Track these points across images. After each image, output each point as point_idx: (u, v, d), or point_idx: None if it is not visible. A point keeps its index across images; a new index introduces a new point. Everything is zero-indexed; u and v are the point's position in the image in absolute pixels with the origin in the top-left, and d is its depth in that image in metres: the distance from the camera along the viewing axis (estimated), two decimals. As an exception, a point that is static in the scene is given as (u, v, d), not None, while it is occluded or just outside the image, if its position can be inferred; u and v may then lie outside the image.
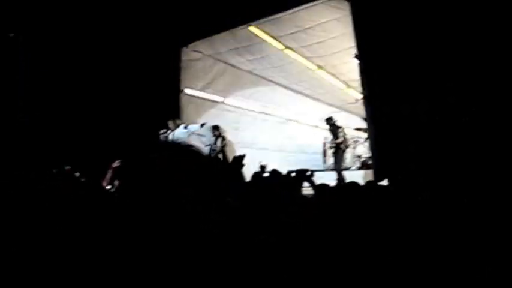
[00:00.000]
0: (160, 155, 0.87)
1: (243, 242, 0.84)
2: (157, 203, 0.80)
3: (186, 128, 7.18)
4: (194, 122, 7.97)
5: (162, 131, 7.14)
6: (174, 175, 0.81)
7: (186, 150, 0.92)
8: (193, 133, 7.15)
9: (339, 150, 7.40)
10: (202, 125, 7.42)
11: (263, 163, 7.18)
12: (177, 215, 0.78)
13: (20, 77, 6.35)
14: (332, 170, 7.49)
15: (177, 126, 7.17)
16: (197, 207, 0.79)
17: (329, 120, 7.73)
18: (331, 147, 7.78)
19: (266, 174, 2.65)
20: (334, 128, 7.59)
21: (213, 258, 0.76)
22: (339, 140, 7.41)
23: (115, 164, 5.54)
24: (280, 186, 2.32)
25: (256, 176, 2.57)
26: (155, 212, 0.79)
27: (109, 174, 5.51)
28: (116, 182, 5.57)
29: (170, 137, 7.03)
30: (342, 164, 7.53)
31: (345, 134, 7.49)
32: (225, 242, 0.80)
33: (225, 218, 0.83)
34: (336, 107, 12.04)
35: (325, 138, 8.32)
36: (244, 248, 0.84)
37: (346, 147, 7.62)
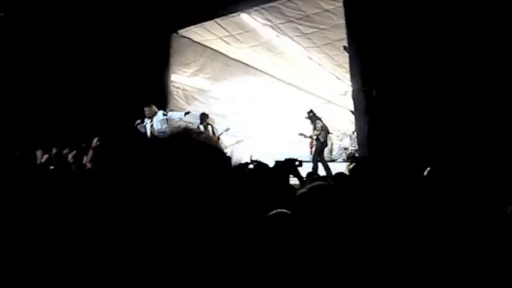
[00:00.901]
0: (168, 149, 0.81)
1: (235, 244, 0.81)
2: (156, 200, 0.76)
3: (165, 115, 6.64)
4: (182, 109, 7.83)
5: (137, 122, 6.56)
6: (179, 171, 0.76)
7: (197, 140, 0.85)
8: (181, 120, 6.85)
9: (317, 141, 7.51)
10: (187, 113, 6.99)
11: (252, 155, 7.09)
12: (175, 210, 0.74)
13: (15, 75, 6.26)
14: (316, 161, 7.50)
15: (155, 113, 6.57)
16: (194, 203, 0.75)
17: (309, 113, 7.80)
18: (311, 138, 7.85)
19: (251, 165, 2.62)
20: (313, 119, 7.67)
21: (209, 257, 0.73)
22: (316, 132, 7.50)
23: (94, 143, 5.49)
24: (267, 177, 2.30)
25: (240, 166, 2.54)
26: (151, 208, 0.75)
27: (90, 154, 5.45)
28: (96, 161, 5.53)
29: (148, 127, 6.47)
30: (322, 156, 7.56)
31: (322, 125, 7.54)
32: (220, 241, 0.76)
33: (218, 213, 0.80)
34: (325, 99, 12.06)
35: (301, 134, 8.23)
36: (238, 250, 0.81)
37: (325, 137, 7.68)
